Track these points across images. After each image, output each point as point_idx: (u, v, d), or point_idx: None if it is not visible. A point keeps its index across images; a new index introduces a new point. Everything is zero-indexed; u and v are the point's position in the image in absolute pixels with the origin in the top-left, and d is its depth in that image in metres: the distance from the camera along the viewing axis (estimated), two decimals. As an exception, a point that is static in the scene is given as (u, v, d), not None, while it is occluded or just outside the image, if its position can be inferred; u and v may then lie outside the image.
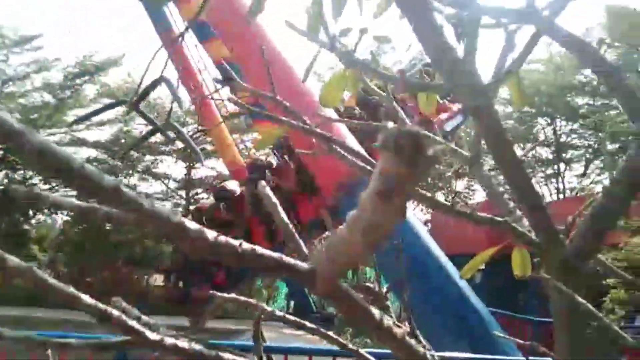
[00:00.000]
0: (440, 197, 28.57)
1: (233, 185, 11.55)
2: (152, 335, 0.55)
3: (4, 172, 24.13)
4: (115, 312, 0.53)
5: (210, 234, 0.35)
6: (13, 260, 0.48)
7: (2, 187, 23.59)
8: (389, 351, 0.60)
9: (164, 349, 0.53)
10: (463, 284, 4.68)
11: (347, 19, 1.72)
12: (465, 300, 4.66)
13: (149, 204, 0.31)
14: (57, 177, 0.28)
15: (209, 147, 24.78)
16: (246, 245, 0.37)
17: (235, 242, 0.37)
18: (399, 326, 1.41)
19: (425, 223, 23.37)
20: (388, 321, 0.57)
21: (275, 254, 0.39)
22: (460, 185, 27.10)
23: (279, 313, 0.94)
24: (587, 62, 0.96)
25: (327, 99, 1.90)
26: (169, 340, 0.56)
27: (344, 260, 0.33)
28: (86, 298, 0.53)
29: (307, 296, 16.62)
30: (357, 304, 0.46)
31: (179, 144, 24.82)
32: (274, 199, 0.46)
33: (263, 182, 0.50)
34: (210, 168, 26.80)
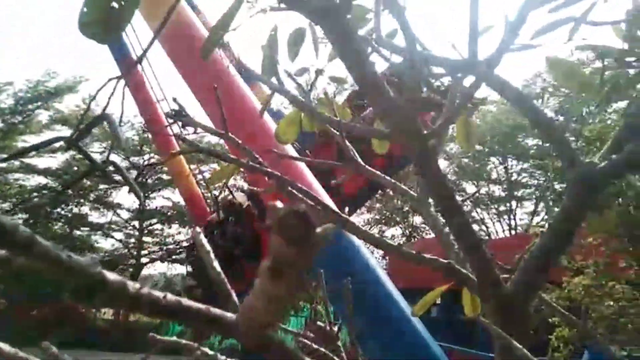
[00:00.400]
0: (397, 231, 28.81)
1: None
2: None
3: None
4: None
5: (132, 285, 0.35)
6: None
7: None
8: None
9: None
10: (415, 319, 4.70)
11: (307, 59, 1.76)
12: (416, 337, 4.68)
13: (66, 255, 0.30)
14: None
15: (165, 177, 24.35)
16: (170, 297, 0.37)
17: (160, 294, 0.36)
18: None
19: (384, 256, 23.50)
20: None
21: (202, 306, 0.38)
22: (418, 219, 27.52)
23: (220, 358, 0.92)
24: (522, 111, 1.02)
25: (283, 135, 1.92)
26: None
27: (259, 322, 0.33)
28: (5, 347, 0.51)
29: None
30: (291, 354, 0.46)
31: (134, 174, 24.25)
32: (208, 248, 0.46)
33: (198, 229, 0.50)
34: (165, 198, 26.26)
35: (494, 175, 26.81)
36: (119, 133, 0.94)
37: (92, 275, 0.32)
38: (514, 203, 26.33)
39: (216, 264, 0.45)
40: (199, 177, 17.23)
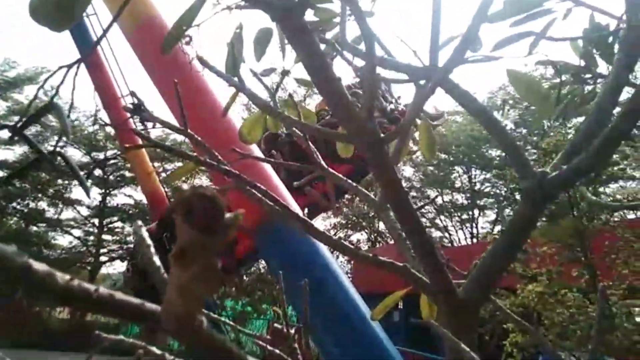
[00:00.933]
0: (363, 236, 28.97)
1: None
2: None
3: None
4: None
5: (62, 277, 0.33)
6: None
7: None
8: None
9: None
10: (373, 322, 4.74)
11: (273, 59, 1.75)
12: (374, 341, 4.72)
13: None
14: None
15: (127, 174, 23.81)
16: (103, 290, 0.36)
17: (91, 287, 0.35)
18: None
19: (349, 261, 23.61)
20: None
21: (134, 300, 0.37)
22: (383, 225, 27.79)
23: (168, 358, 0.90)
24: (479, 119, 1.04)
25: (247, 134, 1.91)
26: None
27: (177, 314, 0.32)
28: None
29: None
30: (222, 347, 0.45)
31: (98, 170, 23.63)
32: (148, 242, 0.45)
33: (139, 222, 0.49)
34: (127, 196, 25.66)
35: (457, 184, 27.37)
36: (66, 123, 0.91)
37: (17, 264, 0.31)
38: (476, 212, 26.93)
39: (156, 258, 0.44)
40: (163, 175, 16.92)
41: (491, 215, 27.36)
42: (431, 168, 26.57)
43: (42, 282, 0.32)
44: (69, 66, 0.85)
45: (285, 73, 1.90)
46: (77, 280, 0.34)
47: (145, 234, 0.47)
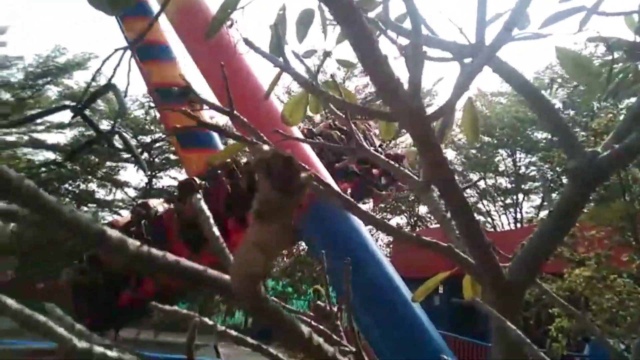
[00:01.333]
0: (402, 220, 28.80)
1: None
2: (81, 344, 0.54)
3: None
4: (42, 319, 0.52)
5: (133, 243, 0.36)
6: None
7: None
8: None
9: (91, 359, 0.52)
10: (416, 306, 4.73)
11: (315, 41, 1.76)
12: (418, 322, 4.71)
13: (69, 210, 0.32)
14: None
15: (172, 157, 24.44)
16: (171, 257, 0.38)
17: (160, 253, 0.38)
18: (345, 346, 1.43)
19: (388, 245, 23.56)
20: (318, 339, 0.59)
21: (200, 267, 0.40)
22: (423, 209, 27.50)
23: (219, 328, 0.94)
24: (527, 98, 1.02)
25: (289, 116, 1.93)
26: (98, 350, 0.55)
27: (250, 273, 0.35)
28: (12, 303, 0.53)
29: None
30: (283, 318, 0.47)
31: (144, 154, 24.35)
32: (208, 213, 0.48)
33: (197, 197, 0.51)
34: (172, 178, 26.38)
35: (501, 168, 26.67)
36: (123, 101, 0.96)
37: (93, 229, 0.33)
38: (520, 196, 26.22)
39: (215, 228, 0.47)
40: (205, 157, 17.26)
41: (536, 200, 26.61)
42: (474, 151, 25.96)
43: (116, 246, 0.34)
44: (125, 48, 0.89)
45: (327, 54, 1.91)
46: (146, 247, 0.37)
47: (204, 206, 0.50)
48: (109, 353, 0.57)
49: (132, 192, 26.77)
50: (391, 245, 22.43)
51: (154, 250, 0.38)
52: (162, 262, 0.38)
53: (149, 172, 25.50)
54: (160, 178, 26.51)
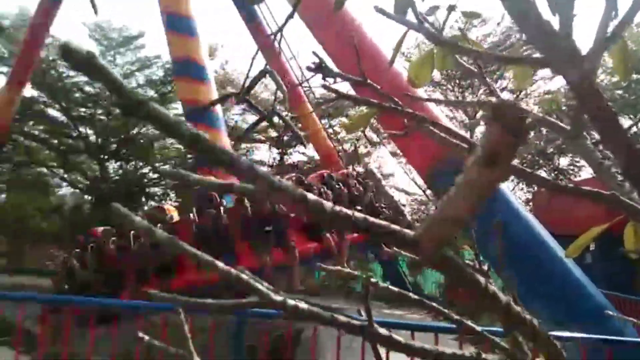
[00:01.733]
0: (542, 174, 26.94)
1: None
2: (276, 297, 0.62)
3: (118, 163, 26.53)
4: (244, 276, 0.61)
5: (327, 204, 0.41)
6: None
7: (117, 177, 25.98)
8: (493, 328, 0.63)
9: (285, 310, 0.59)
10: (569, 262, 4.42)
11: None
12: (572, 278, 4.42)
13: (278, 180, 0.37)
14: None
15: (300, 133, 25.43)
16: (358, 215, 0.42)
17: (349, 212, 0.43)
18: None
19: (527, 202, 22.22)
20: (493, 288, 0.60)
21: (384, 222, 0.44)
22: (563, 161, 25.37)
23: (392, 288, 0.99)
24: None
25: (415, 77, 1.91)
26: (291, 302, 0.62)
27: (448, 224, 0.37)
28: (220, 264, 0.61)
29: (402, 277, 16.57)
30: (463, 270, 0.50)
31: (272, 133, 25.65)
32: (379, 176, 0.51)
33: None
34: (301, 153, 27.50)
35: (656, 106, 23.37)
36: (281, 83, 1.03)
37: (298, 195, 0.39)
38: (684, 135, 22.84)
39: (390, 190, 0.50)
40: (330, 131, 17.69)
41: None
42: (619, 92, 23.05)
43: (313, 207, 0.40)
44: (276, 32, 0.95)
45: (451, 8, 1.84)
46: (338, 207, 0.42)
47: (378, 173, 0.54)
48: (300, 304, 0.64)
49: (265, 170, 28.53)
50: (531, 203, 21.09)
51: (344, 210, 0.42)
52: (349, 219, 0.43)
53: (280, 150, 26.85)
54: (291, 154, 27.81)
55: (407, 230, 0.42)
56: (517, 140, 0.33)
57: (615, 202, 1.01)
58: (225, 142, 10.88)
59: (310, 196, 0.40)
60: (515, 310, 0.61)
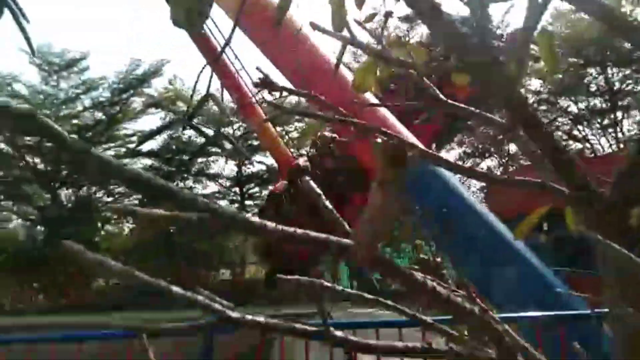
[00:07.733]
0: (493, 162, 27.68)
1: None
2: (234, 314, 0.66)
3: (70, 190, 25.70)
4: (201, 298, 0.64)
5: (270, 225, 0.46)
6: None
7: (69, 204, 25.14)
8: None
9: (245, 325, 0.64)
10: (519, 244, 4.63)
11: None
12: (522, 259, 4.64)
13: (220, 207, 0.42)
14: (157, 198, 0.39)
15: (256, 143, 25.34)
16: (299, 231, 0.47)
17: (291, 229, 0.47)
18: (454, 291, 1.49)
19: (482, 189, 22.90)
20: (432, 283, 0.66)
21: (323, 235, 0.49)
22: (513, 147, 26.31)
23: (352, 292, 1.04)
24: (604, 20, 0.99)
25: (359, 85, 1.98)
26: (248, 317, 0.67)
27: (372, 235, 0.43)
28: (177, 289, 0.65)
29: (368, 276, 16.80)
30: (398, 268, 0.56)
31: (228, 145, 25.48)
32: (318, 191, 0.57)
33: (307, 179, 0.61)
34: (259, 162, 27.43)
35: (593, 88, 24.64)
36: (223, 107, 1.07)
37: (240, 219, 0.43)
38: (619, 114, 24.16)
39: (327, 203, 0.56)
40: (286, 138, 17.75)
41: (638, 115, 24.39)
42: (559, 76, 24.15)
43: (259, 230, 0.44)
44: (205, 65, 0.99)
45: (388, 14, 1.92)
46: (256, 218, 0.47)
47: (313, 183, 0.59)
48: (257, 318, 0.68)
49: (225, 183, 28.29)
50: (485, 190, 21.78)
51: (268, 223, 0.47)
52: (291, 236, 0.47)
53: (237, 161, 26.71)
54: (249, 166, 27.71)
55: (343, 240, 0.47)
56: (400, 170, 0.40)
57: (545, 188, 1.10)
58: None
59: (254, 219, 0.45)
60: (455, 301, 0.67)
